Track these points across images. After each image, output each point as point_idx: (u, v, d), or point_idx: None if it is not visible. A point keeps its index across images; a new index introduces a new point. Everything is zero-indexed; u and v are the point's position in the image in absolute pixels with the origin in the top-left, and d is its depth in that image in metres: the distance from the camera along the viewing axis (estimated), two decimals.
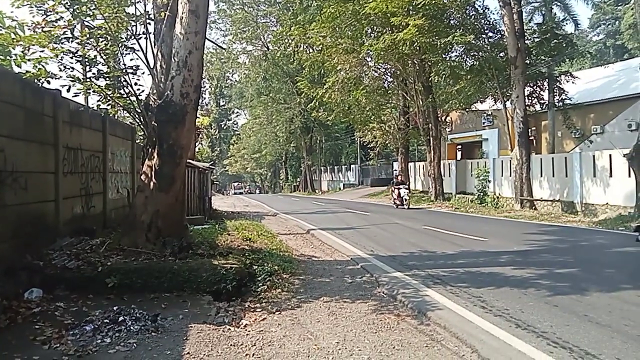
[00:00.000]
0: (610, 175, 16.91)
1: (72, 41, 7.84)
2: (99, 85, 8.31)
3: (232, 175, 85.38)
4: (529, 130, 22.33)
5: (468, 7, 23.22)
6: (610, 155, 17.10)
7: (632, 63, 25.61)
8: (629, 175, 15.36)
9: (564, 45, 22.89)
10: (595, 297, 5.95)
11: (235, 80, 59.27)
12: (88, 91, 8.50)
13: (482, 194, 22.73)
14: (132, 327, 4.68)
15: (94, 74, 8.26)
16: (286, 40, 32.56)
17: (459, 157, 34.78)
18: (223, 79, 62.74)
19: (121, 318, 4.83)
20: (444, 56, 23.41)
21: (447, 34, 20.53)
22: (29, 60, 7.47)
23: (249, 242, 10.08)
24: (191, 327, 4.85)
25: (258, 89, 49.53)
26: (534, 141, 26.41)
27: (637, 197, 14.11)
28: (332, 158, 57.20)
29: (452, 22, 23.09)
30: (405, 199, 22.29)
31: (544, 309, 5.49)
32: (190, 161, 14.04)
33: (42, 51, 7.57)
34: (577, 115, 24.39)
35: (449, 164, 28.88)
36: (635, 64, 16.20)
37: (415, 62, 24.80)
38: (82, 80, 8.19)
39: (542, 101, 24.93)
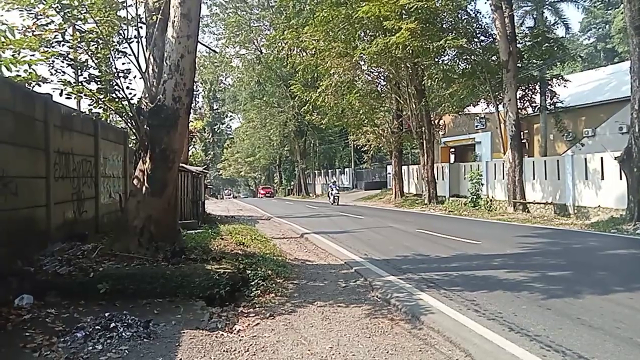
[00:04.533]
0: (602, 178, 17.03)
1: (63, 45, 7.76)
2: (90, 89, 8.25)
3: (226, 179, 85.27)
4: (522, 133, 22.49)
5: (460, 11, 23.39)
6: (601, 158, 17.23)
7: (623, 66, 25.82)
8: (621, 178, 15.47)
9: (555, 48, 23.12)
10: (587, 300, 5.97)
11: (229, 84, 59.14)
12: (79, 95, 8.44)
13: (475, 197, 22.82)
14: (124, 334, 4.62)
15: (85, 77, 8.20)
16: (279, 44, 32.48)
17: (452, 160, 34.93)
18: (216, 83, 62.52)
19: (113, 324, 4.77)
20: (436, 60, 23.57)
21: (439, 38, 20.67)
22: (19, 63, 7.41)
23: (242, 246, 10.04)
24: (184, 333, 4.81)
25: (251, 93, 49.48)
26: (527, 144, 26.58)
27: (629, 200, 14.20)
28: (326, 161, 57.27)
29: (444, 25, 23.23)
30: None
31: (537, 312, 5.50)
32: (183, 165, 13.99)
33: (33, 55, 7.50)
34: (568, 118, 24.59)
35: (442, 167, 28.98)
36: (626, 67, 16.36)
37: (408, 65, 24.90)
38: (73, 84, 8.13)
39: (534, 104, 25.13)
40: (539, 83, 24.36)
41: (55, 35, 7.63)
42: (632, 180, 14.13)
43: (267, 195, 55.08)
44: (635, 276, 7.66)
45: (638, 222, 13.38)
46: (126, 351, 4.28)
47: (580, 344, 4.42)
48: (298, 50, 30.94)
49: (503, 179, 21.94)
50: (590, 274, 7.80)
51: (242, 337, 4.91)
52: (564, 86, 24.68)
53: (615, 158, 15.40)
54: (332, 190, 32.20)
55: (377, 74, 28.81)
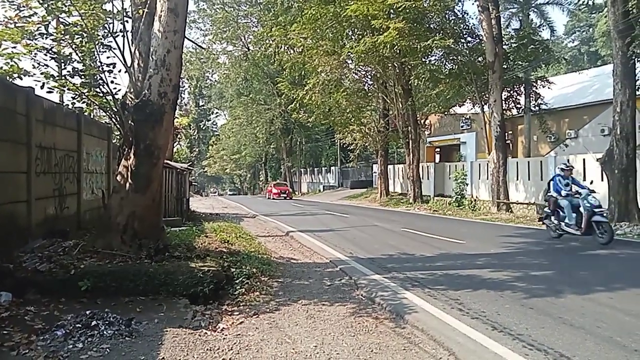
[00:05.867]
0: (584, 179, 17.28)
1: (46, 37, 7.65)
2: (74, 83, 8.13)
3: (211, 177, 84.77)
4: (506, 134, 22.72)
5: (447, 11, 23.55)
6: (584, 160, 17.52)
7: (606, 69, 26.25)
8: (602, 179, 15.72)
9: (540, 50, 23.40)
10: (569, 300, 6.04)
11: (215, 81, 58.79)
12: (63, 89, 8.31)
13: (459, 196, 23.01)
14: (105, 332, 4.56)
15: (69, 71, 8.07)
16: (267, 41, 32.41)
17: (437, 160, 35.17)
18: (203, 79, 62.12)
19: (94, 322, 4.70)
20: (423, 59, 23.68)
21: (426, 38, 20.78)
22: (0, 56, 7.26)
23: (227, 244, 9.97)
24: (167, 331, 4.76)
25: (238, 90, 49.29)
26: (511, 145, 26.87)
27: (610, 201, 14.44)
28: (312, 160, 57.25)
29: (431, 26, 23.36)
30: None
31: (520, 311, 5.56)
32: (168, 162, 13.86)
33: (15, 47, 7.37)
34: (552, 119, 24.93)
35: (427, 166, 29.15)
36: (609, 70, 16.67)
37: (395, 65, 24.99)
38: (56, 78, 7.99)
39: (518, 105, 25.43)
40: (523, 84, 24.65)
41: (39, 28, 7.51)
42: (613, 182, 14.37)
43: (281, 195, 39.77)
44: (616, 276, 7.78)
45: (619, 223, 13.62)
46: (107, 350, 4.22)
47: (561, 343, 4.47)
48: (285, 48, 30.88)
49: (487, 179, 22.14)
50: (571, 273, 7.91)
51: (226, 335, 4.87)
52: (549, 88, 25.02)
53: (597, 159, 15.65)
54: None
55: (364, 72, 28.87)
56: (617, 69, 14.32)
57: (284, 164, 51.98)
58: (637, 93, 14.51)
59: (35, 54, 7.63)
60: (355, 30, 25.60)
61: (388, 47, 21.02)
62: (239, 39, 44.09)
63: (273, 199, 39.07)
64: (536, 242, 11.60)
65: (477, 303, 5.89)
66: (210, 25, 43.87)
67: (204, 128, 77.88)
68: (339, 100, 26.87)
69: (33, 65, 7.72)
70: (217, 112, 74.78)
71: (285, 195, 39.85)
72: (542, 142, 26.21)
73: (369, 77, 29.21)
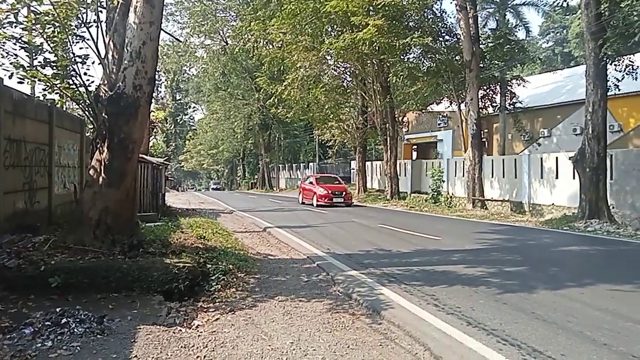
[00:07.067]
0: (557, 177, 17.66)
1: (15, 26, 7.38)
2: (45, 74, 7.88)
3: (187, 172, 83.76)
4: (482, 132, 23.04)
5: (426, 9, 23.71)
6: (556, 158, 17.87)
7: (579, 70, 26.87)
8: (574, 177, 16.08)
9: (516, 50, 23.81)
10: (542, 295, 6.16)
11: (193, 74, 57.98)
12: (33, 80, 8.05)
13: (436, 193, 23.25)
14: (76, 330, 4.44)
15: (40, 62, 7.82)
16: (245, 36, 32.02)
17: (414, 157, 35.46)
18: (180, 73, 61.12)
19: (64, 320, 4.58)
20: (402, 57, 23.83)
21: (405, 35, 20.90)
22: None
23: (203, 240, 9.85)
24: (140, 328, 4.67)
25: (216, 84, 48.69)
26: (486, 143, 27.28)
27: (581, 198, 14.78)
28: (291, 156, 57.03)
29: (410, 24, 23.50)
30: None
31: (494, 306, 5.64)
32: (144, 156, 13.62)
33: None
34: (527, 118, 25.40)
35: (405, 163, 29.35)
36: (582, 71, 17.11)
37: (374, 62, 25.06)
38: (27, 68, 7.74)
39: (494, 104, 25.85)
40: (499, 83, 25.05)
41: (7, 16, 7.24)
42: (584, 180, 14.71)
43: (335, 200, 23.20)
44: (586, 272, 7.97)
45: (589, 220, 13.96)
46: (78, 348, 4.12)
47: (534, 338, 4.56)
48: (264, 43, 30.61)
49: (463, 176, 22.42)
50: (544, 269, 8.07)
51: (201, 332, 4.81)
52: (524, 86, 25.48)
53: (570, 158, 15.99)
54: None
55: (343, 69, 28.86)
56: (590, 70, 14.64)
57: (262, 160, 51.66)
58: (608, 94, 14.87)
59: (4, 42, 7.36)
60: (335, 26, 25.53)
61: (367, 44, 21.05)
62: (217, 33, 43.50)
63: (318, 204, 23.16)
64: (510, 239, 11.81)
65: (452, 299, 5.96)
66: (188, 18, 43.10)
67: (180, 122, 76.78)
68: (318, 96, 26.78)
69: (1, 54, 7.45)
70: (194, 107, 73.88)
71: (341, 200, 23.48)
72: (516, 140, 26.68)
73: (348, 73, 29.23)
